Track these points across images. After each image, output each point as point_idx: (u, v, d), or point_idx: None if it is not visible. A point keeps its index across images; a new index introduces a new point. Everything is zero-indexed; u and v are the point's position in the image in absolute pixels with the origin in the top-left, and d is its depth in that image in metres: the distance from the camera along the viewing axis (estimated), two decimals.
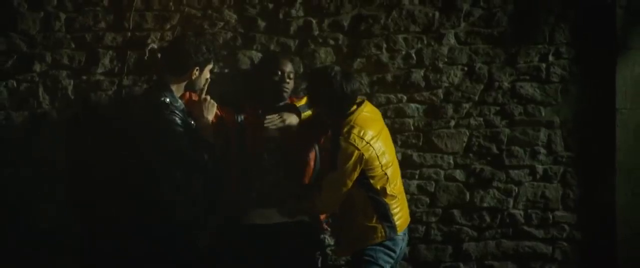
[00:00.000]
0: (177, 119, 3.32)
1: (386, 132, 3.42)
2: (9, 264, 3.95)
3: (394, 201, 3.30)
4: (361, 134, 3.20)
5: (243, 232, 3.55)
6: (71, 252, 3.96)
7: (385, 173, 3.26)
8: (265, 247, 3.49)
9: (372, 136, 3.24)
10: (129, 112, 3.81)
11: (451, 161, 4.14)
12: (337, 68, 3.37)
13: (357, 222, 3.33)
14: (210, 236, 3.58)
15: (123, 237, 3.76)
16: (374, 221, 3.28)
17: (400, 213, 3.33)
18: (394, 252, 3.35)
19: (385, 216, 3.28)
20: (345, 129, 3.22)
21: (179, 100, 3.42)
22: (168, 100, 3.34)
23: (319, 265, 3.92)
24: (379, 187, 3.26)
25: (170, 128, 3.31)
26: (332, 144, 3.35)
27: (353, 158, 3.18)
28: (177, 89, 3.44)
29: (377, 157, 3.23)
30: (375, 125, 3.32)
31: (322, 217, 3.76)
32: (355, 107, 3.33)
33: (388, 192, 3.27)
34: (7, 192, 3.93)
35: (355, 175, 3.21)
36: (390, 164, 3.31)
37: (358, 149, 3.18)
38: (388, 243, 3.31)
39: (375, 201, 3.27)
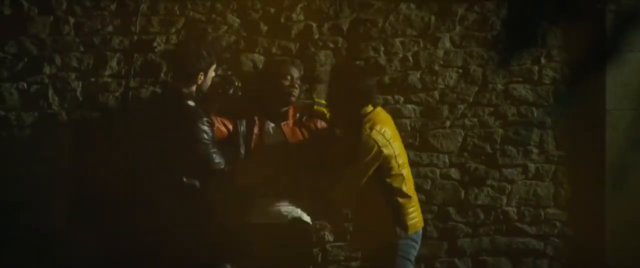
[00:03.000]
0: (205, 127, 3.38)
1: (399, 136, 3.47)
2: (14, 263, 3.98)
3: (409, 201, 3.36)
4: (382, 131, 3.28)
5: (244, 230, 3.55)
6: (75, 252, 3.96)
7: (402, 173, 3.33)
8: (266, 244, 3.48)
9: (391, 135, 3.32)
10: (147, 112, 3.85)
11: (447, 160, 4.19)
12: (359, 63, 3.46)
13: (373, 219, 3.37)
14: (210, 236, 3.55)
15: (126, 238, 3.82)
16: (389, 219, 3.32)
17: (415, 213, 3.38)
18: (418, 244, 3.42)
19: (398, 215, 3.33)
20: (368, 125, 3.28)
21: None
22: (193, 104, 3.41)
23: (319, 261, 4.01)
24: (395, 186, 3.32)
25: (200, 136, 3.36)
26: (349, 140, 3.36)
27: (372, 152, 3.24)
28: None
29: (395, 156, 3.30)
30: (392, 127, 3.39)
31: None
32: (371, 107, 3.38)
33: (404, 191, 3.33)
34: (15, 191, 3.96)
35: (372, 169, 3.27)
36: (405, 165, 3.38)
37: (378, 144, 3.25)
38: (414, 236, 3.37)
39: (390, 200, 3.32)
